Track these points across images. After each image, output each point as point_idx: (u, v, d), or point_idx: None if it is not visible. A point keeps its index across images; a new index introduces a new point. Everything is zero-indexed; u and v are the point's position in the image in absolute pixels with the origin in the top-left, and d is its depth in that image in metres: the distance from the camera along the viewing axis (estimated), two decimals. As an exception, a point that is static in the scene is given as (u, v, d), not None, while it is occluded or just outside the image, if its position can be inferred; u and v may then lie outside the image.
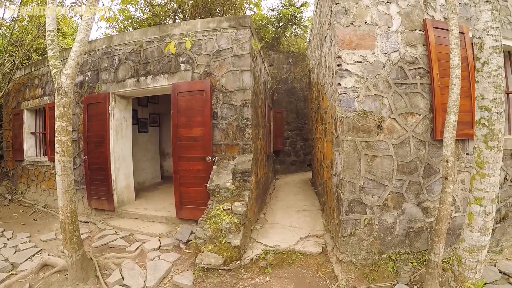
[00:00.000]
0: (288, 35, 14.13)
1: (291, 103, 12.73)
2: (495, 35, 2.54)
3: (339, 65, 4.25)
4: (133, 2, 9.92)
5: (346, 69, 4.23)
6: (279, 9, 13.55)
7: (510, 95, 5.23)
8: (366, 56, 4.26)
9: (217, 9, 10.38)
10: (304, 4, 13.53)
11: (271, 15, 13.64)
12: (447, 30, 4.20)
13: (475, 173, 2.68)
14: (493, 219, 2.70)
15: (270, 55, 12.57)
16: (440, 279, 3.62)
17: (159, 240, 5.47)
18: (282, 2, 13.81)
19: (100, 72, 6.94)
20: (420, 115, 4.25)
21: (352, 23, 4.31)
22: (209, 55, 5.94)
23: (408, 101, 4.23)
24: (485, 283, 3.91)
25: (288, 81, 12.70)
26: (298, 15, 13.50)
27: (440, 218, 3.56)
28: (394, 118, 4.20)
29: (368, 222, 4.26)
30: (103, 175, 6.86)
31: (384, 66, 4.26)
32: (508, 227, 5.02)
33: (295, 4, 13.58)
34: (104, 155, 6.80)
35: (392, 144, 4.20)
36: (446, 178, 3.50)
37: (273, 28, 13.56)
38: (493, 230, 4.82)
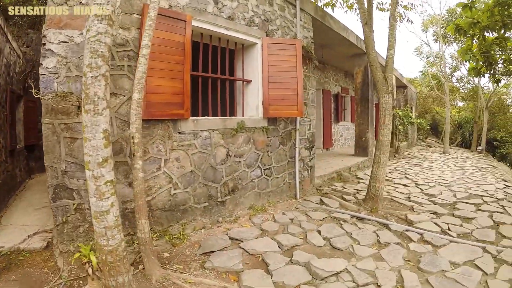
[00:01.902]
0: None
1: (51, 89, 11.60)
2: (101, 4, 2.73)
3: (44, 44, 4.06)
4: None
5: (50, 49, 4.05)
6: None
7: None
8: (73, 36, 4.18)
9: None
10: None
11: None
12: (169, 17, 4.56)
13: (82, 138, 2.80)
14: (109, 184, 2.81)
15: (29, 34, 11.34)
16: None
17: None
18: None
19: None
20: (124, 96, 4.38)
21: (65, 2, 4.19)
22: None
23: (113, 82, 4.32)
24: (212, 251, 4.30)
25: (48, 64, 11.58)
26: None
27: (136, 194, 3.71)
28: (98, 99, 4.29)
29: (78, 207, 4.18)
30: None
31: (92, 48, 4.31)
32: (240, 198, 5.78)
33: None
34: None
35: (95, 124, 4.28)
36: (134, 155, 3.70)
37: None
38: (224, 201, 5.49)
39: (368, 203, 6.43)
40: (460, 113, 30.86)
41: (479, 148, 21.40)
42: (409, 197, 7.37)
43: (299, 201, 6.75)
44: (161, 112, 4.51)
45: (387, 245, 4.65)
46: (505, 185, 9.47)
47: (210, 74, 5.65)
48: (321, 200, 6.74)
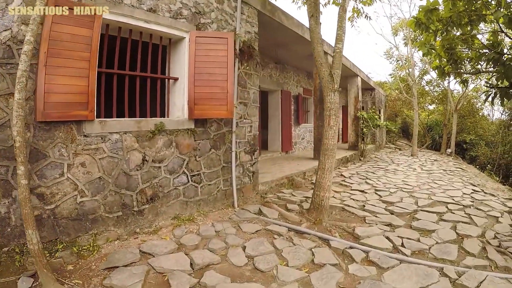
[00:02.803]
0: None
1: None
2: None
3: None
4: None
5: None
6: None
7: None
8: None
9: None
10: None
11: None
12: (71, 9, 4.12)
13: None
14: None
15: None
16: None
17: None
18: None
19: None
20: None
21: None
22: None
23: (12, 81, 3.92)
24: (117, 266, 3.88)
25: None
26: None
27: (20, 203, 3.40)
28: (-5, 100, 3.88)
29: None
30: None
31: (-8, 46, 3.90)
32: (162, 207, 5.35)
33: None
34: None
35: (-9, 127, 3.85)
36: (16, 159, 3.34)
37: None
38: (142, 211, 5.06)
39: (312, 213, 5.98)
40: (430, 116, 31.27)
41: (448, 150, 21.59)
42: (364, 206, 6.94)
43: (235, 211, 6.27)
44: (60, 114, 4.09)
45: (322, 267, 4.14)
46: (473, 190, 9.17)
47: (128, 71, 5.16)
48: (260, 209, 6.28)
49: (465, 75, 6.68)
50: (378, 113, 20.02)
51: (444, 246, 4.86)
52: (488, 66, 5.79)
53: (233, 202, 6.51)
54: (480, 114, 28.16)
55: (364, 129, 15.20)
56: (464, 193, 8.47)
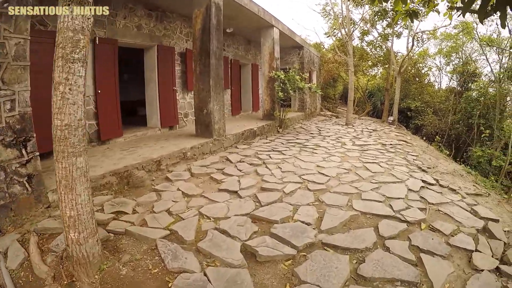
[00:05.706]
0: None
1: None
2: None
3: None
4: None
5: None
6: None
7: None
8: None
9: None
10: None
11: None
12: None
13: None
14: None
15: None
16: None
17: None
18: None
19: None
20: None
21: None
22: None
23: None
24: None
25: None
26: None
27: None
28: None
29: None
30: None
31: None
32: None
33: None
34: None
35: None
36: None
37: None
38: None
39: (69, 266, 3.19)
40: (372, 81, 29.01)
41: (390, 118, 19.10)
42: (201, 238, 3.77)
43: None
44: None
45: None
46: (422, 179, 6.17)
47: None
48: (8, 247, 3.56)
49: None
50: (308, 75, 17.10)
51: None
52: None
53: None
54: (426, 80, 25.94)
55: (280, 93, 12.10)
56: (409, 189, 5.55)
